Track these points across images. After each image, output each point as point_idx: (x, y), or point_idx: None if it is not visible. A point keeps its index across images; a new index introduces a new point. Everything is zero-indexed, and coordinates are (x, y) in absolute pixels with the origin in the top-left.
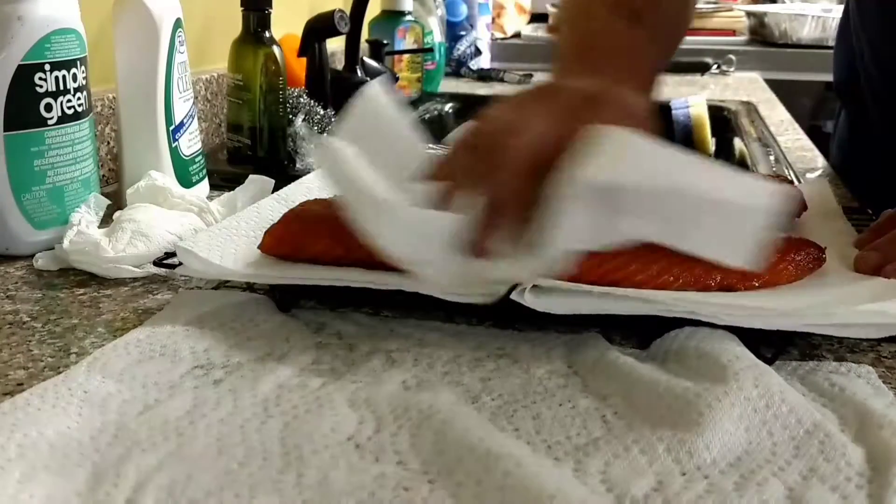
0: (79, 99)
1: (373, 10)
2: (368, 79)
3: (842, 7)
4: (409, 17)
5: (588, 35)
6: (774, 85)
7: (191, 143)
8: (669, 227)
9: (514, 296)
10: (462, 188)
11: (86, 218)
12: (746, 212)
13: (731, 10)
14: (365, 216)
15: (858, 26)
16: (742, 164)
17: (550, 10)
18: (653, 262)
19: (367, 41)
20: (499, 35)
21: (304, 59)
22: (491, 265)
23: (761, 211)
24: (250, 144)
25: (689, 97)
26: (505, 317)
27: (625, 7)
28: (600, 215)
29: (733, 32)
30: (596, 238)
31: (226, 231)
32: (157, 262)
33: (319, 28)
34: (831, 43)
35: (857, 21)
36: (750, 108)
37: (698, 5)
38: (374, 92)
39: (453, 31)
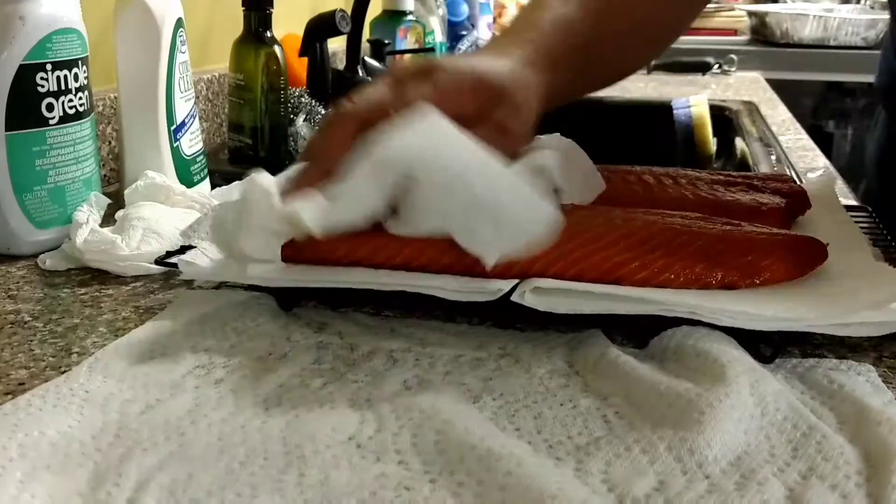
0: (80, 99)
1: (374, 10)
2: (370, 78)
3: (842, 7)
4: (410, 17)
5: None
6: (776, 84)
7: (192, 142)
8: (444, 218)
9: (514, 297)
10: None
11: (92, 217)
12: (521, 224)
13: (732, 9)
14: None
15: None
16: (744, 163)
17: None
18: (654, 259)
19: (368, 41)
20: None
21: (305, 59)
22: (294, 205)
23: (534, 229)
24: (252, 144)
25: (691, 97)
26: (506, 316)
27: None
28: (380, 190)
29: (735, 32)
30: (365, 211)
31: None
32: (159, 261)
33: (321, 28)
34: (832, 43)
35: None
36: (751, 107)
37: None
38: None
39: (454, 31)
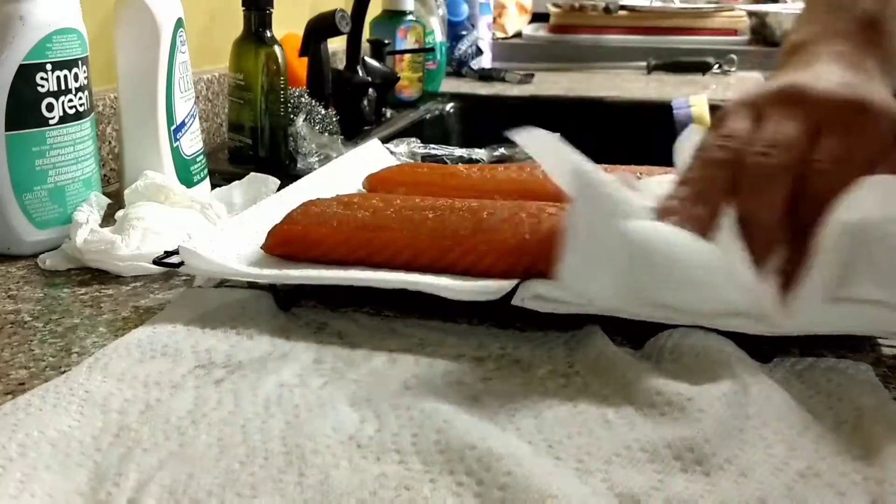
0: (80, 99)
1: (374, 10)
2: (369, 78)
3: None
4: (410, 17)
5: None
6: None
7: (192, 142)
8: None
9: (515, 301)
10: (707, 203)
11: (92, 216)
12: None
13: (732, 9)
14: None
15: None
16: None
17: (551, 9)
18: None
19: (368, 41)
20: (500, 35)
21: (305, 59)
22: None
23: None
24: (251, 144)
25: (691, 97)
26: (506, 316)
27: None
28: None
29: (735, 32)
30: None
31: (228, 230)
32: (158, 261)
33: (321, 28)
34: None
35: None
36: None
37: (698, 5)
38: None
39: (454, 31)
